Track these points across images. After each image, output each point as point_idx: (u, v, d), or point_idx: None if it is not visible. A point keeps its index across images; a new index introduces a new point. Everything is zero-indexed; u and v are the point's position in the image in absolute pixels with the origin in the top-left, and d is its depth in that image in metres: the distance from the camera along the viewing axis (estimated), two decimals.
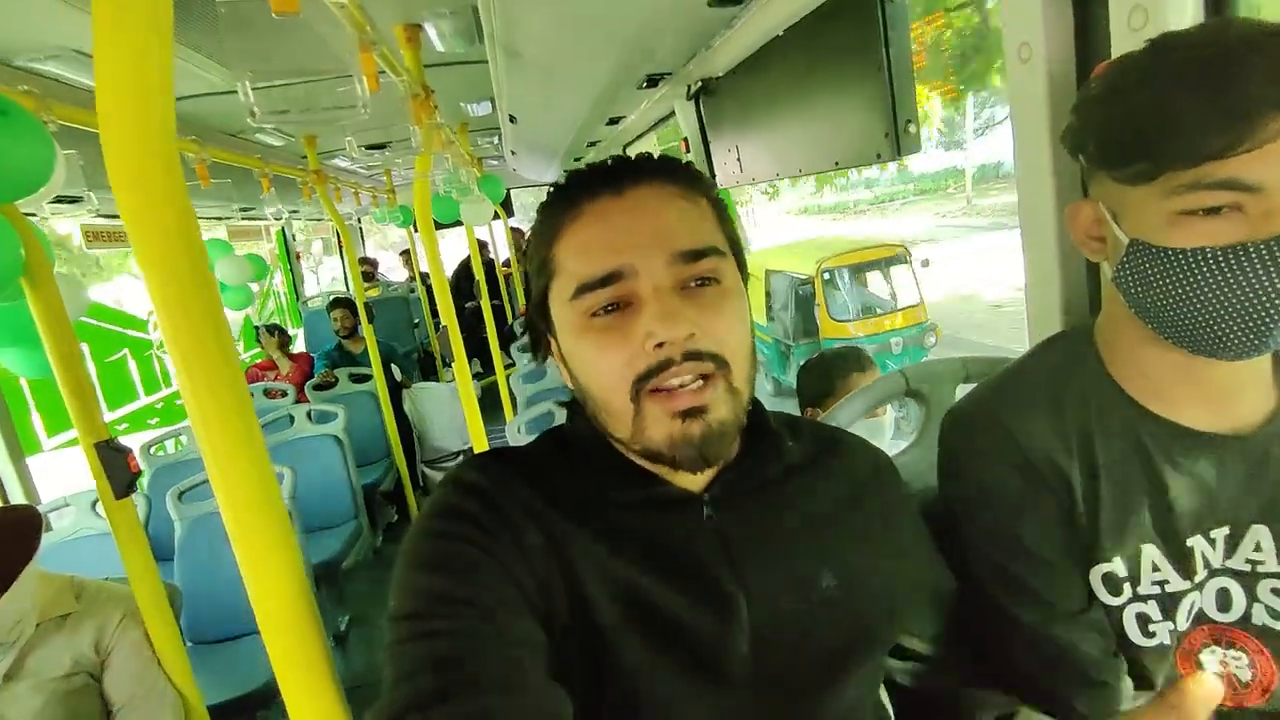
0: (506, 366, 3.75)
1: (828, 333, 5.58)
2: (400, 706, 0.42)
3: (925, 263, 6.07)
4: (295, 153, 3.32)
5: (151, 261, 0.48)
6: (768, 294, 6.35)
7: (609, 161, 0.55)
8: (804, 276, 5.86)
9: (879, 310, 5.82)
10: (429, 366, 5.55)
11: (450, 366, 5.58)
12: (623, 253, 0.51)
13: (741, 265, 0.57)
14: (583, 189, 0.54)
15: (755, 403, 0.60)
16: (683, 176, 0.55)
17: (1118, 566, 0.61)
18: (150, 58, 0.45)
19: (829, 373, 1.55)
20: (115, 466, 1.21)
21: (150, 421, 3.59)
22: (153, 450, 2.76)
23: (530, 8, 1.37)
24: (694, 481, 0.56)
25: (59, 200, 1.75)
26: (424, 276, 5.62)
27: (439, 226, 3.51)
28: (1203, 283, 0.50)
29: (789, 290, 6.03)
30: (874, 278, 6.07)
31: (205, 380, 0.50)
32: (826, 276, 5.71)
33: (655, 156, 0.56)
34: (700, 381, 0.50)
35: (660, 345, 0.49)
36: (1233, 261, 0.49)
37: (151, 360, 3.69)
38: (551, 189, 0.57)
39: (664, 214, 0.52)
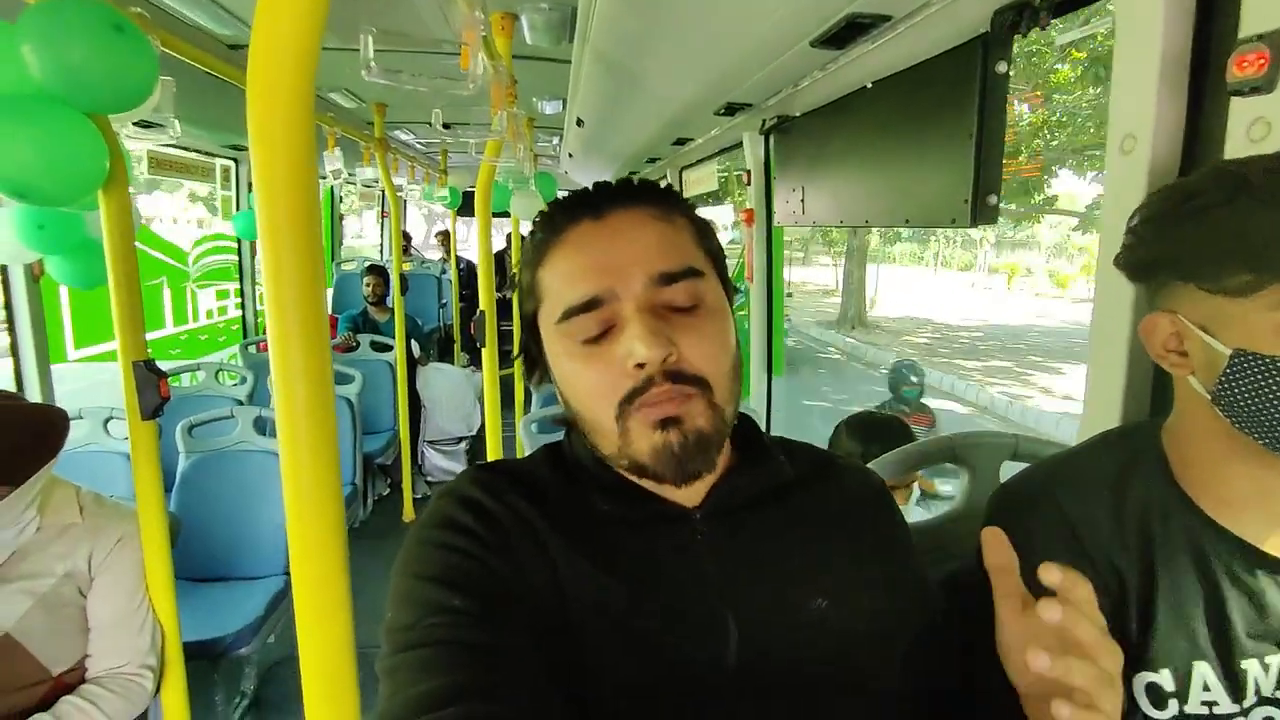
0: None
1: None
2: (396, 714, 0.42)
3: None
4: (361, 119, 3.39)
5: (272, 211, 0.50)
6: None
7: (590, 188, 0.57)
8: None
9: None
10: (446, 348, 5.57)
11: (466, 352, 5.64)
12: (603, 277, 0.52)
13: (725, 281, 0.58)
14: (564, 214, 0.56)
15: (749, 420, 0.61)
16: (659, 199, 0.56)
17: (1165, 679, 0.59)
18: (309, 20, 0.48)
19: (875, 439, 1.53)
20: (148, 387, 1.22)
21: (172, 352, 3.63)
22: (169, 380, 2.78)
23: (629, 18, 1.39)
24: (687, 497, 0.56)
25: (139, 124, 1.79)
26: (459, 260, 5.66)
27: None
28: None
29: None
30: None
31: (298, 323, 0.52)
32: None
33: (636, 181, 0.57)
34: (679, 397, 0.51)
35: (641, 365, 0.50)
36: None
37: (185, 292, 3.73)
38: (538, 217, 0.59)
39: (642, 237, 0.54)
